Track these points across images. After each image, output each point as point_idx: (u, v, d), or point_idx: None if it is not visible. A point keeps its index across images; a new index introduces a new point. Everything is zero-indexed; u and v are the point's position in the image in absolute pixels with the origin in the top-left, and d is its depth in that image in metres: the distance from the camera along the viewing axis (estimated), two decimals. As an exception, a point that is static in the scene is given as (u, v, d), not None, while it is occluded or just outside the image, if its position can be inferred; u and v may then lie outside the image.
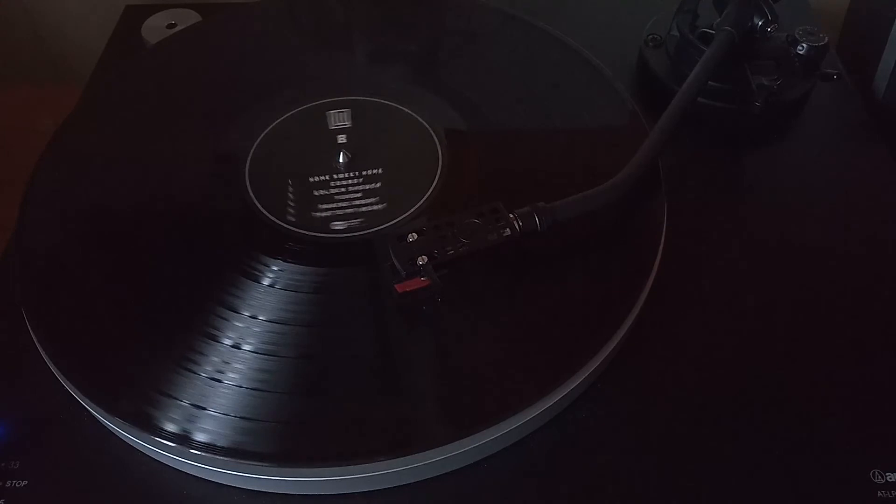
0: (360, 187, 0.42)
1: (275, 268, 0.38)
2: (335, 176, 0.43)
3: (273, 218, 0.41)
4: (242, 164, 0.43)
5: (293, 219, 0.41)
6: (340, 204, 0.42)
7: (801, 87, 0.49)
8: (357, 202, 0.42)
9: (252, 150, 0.44)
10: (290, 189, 0.42)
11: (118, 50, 0.58)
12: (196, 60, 0.51)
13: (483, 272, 0.38)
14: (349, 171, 0.43)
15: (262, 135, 0.45)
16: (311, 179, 0.43)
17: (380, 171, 0.43)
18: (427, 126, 0.45)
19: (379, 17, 0.55)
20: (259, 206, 0.41)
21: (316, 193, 0.42)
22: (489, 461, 0.35)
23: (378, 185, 0.42)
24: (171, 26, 0.57)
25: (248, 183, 0.42)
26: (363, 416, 0.35)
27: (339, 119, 0.46)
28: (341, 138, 0.45)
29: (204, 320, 0.37)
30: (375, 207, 0.41)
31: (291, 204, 0.41)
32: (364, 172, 0.43)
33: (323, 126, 0.46)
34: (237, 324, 0.37)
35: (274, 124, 0.46)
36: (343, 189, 0.42)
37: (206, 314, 0.37)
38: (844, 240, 0.43)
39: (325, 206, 0.41)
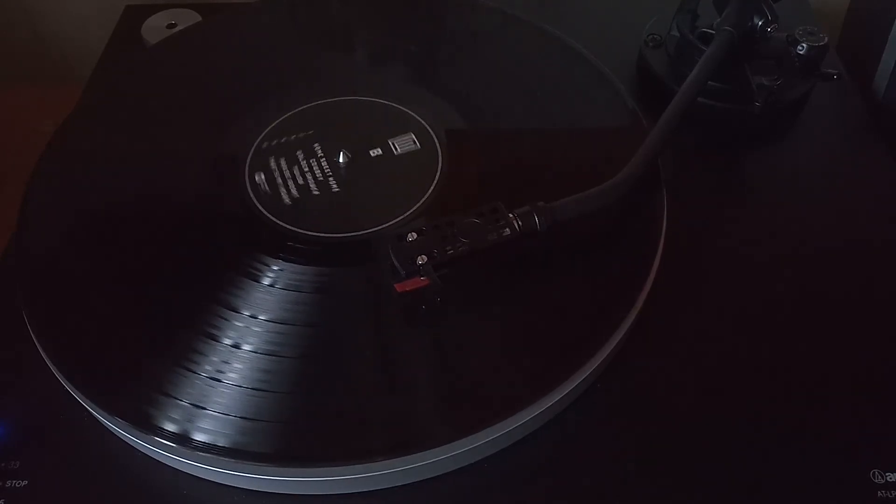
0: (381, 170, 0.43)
1: (275, 268, 0.38)
2: (323, 162, 0.43)
3: (273, 218, 0.41)
4: (242, 164, 0.43)
5: (353, 225, 0.40)
6: (287, 173, 0.42)
7: (801, 87, 0.49)
8: (290, 184, 0.42)
9: (252, 150, 0.44)
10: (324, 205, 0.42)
11: (118, 50, 0.58)
12: (196, 60, 0.51)
13: (483, 272, 0.38)
14: (355, 166, 0.43)
15: (262, 135, 0.45)
16: (332, 189, 0.42)
17: (382, 151, 0.44)
18: (427, 126, 0.45)
19: (379, 17, 0.55)
20: (259, 206, 0.41)
21: (296, 154, 0.42)
22: (489, 461, 0.35)
23: (317, 193, 0.42)
24: (171, 26, 0.57)
25: (247, 183, 0.42)
26: (363, 417, 0.35)
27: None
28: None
29: (204, 320, 0.37)
30: (286, 200, 0.41)
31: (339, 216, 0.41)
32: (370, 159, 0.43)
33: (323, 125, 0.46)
34: (237, 324, 0.37)
35: (274, 124, 0.46)
36: (307, 169, 0.43)
37: (206, 314, 0.37)
38: (844, 239, 0.43)
39: (283, 162, 0.42)
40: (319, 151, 0.44)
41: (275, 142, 0.45)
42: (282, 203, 0.41)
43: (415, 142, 0.43)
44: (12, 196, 0.43)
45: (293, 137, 0.45)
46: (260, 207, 0.41)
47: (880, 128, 0.50)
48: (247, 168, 0.43)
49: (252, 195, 0.42)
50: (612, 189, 0.39)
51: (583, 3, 0.59)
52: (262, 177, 0.41)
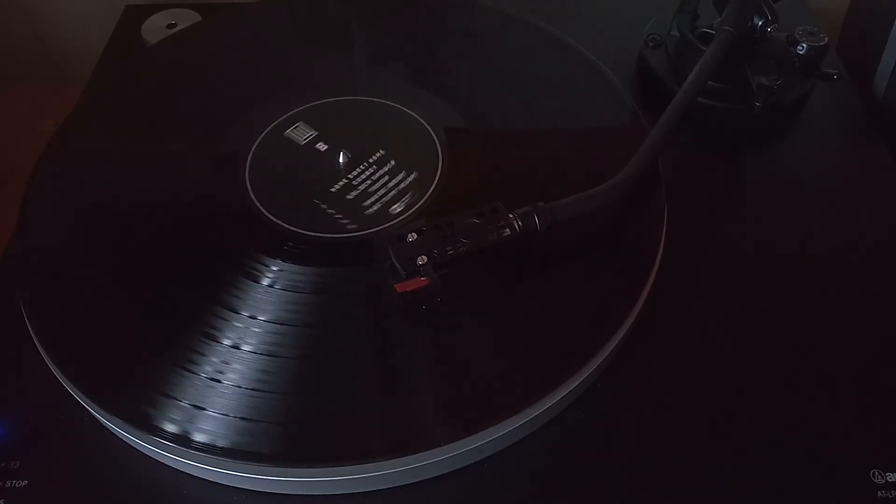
0: (381, 171, 0.42)
1: (275, 268, 0.38)
2: (350, 175, 0.43)
3: (273, 218, 0.41)
4: (242, 164, 0.43)
5: (354, 226, 0.40)
6: (380, 192, 0.42)
7: (801, 87, 0.49)
8: (390, 184, 0.42)
9: (252, 150, 0.44)
10: (324, 206, 0.41)
11: (118, 50, 0.58)
12: (196, 60, 0.51)
13: (483, 272, 0.38)
14: (356, 167, 0.43)
15: (263, 135, 0.45)
16: (332, 189, 0.42)
17: (382, 152, 0.43)
18: (427, 126, 0.45)
19: (378, 17, 0.55)
20: (259, 206, 0.41)
21: (349, 197, 0.42)
22: (489, 461, 0.35)
23: (393, 163, 0.42)
24: (171, 26, 0.57)
25: (248, 183, 0.42)
26: (363, 417, 0.35)
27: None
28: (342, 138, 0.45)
29: (204, 320, 0.37)
30: (411, 178, 0.42)
31: (339, 216, 0.41)
32: (370, 160, 0.43)
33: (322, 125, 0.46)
34: (237, 324, 0.37)
35: (274, 124, 0.46)
36: (368, 181, 0.42)
37: (206, 314, 0.37)
38: (844, 240, 0.43)
39: (368, 202, 0.41)
40: (320, 151, 0.44)
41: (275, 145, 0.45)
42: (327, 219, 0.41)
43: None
44: (12, 196, 0.43)
45: (293, 138, 0.45)
46: (260, 207, 0.41)
47: (880, 128, 0.50)
48: (247, 168, 0.43)
49: (252, 195, 0.42)
50: (612, 189, 0.39)
51: (583, 3, 0.59)
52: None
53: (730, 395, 0.37)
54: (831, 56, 0.53)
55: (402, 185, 0.42)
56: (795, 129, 0.50)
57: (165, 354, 0.36)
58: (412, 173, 0.42)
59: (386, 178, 0.42)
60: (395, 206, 0.41)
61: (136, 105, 0.48)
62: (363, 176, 0.43)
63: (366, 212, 0.41)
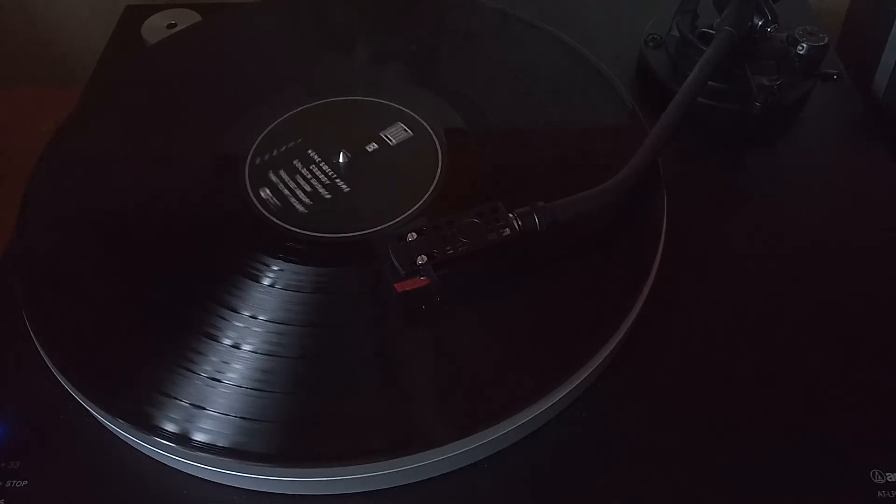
0: (320, 187, 0.42)
1: (275, 268, 0.38)
2: (323, 166, 0.43)
3: (273, 218, 0.41)
4: (242, 164, 0.43)
5: (248, 168, 0.42)
6: (291, 184, 0.42)
7: (801, 87, 0.49)
8: (299, 192, 0.42)
9: (252, 150, 0.44)
10: (286, 147, 0.43)
11: (118, 50, 0.58)
12: (196, 60, 0.51)
13: (483, 272, 0.38)
14: (340, 172, 0.43)
15: (262, 135, 0.45)
16: (309, 153, 0.43)
17: (348, 190, 0.42)
18: (427, 126, 0.45)
19: (379, 16, 0.55)
20: (259, 206, 0.41)
21: (294, 163, 0.43)
22: (489, 461, 0.35)
23: (329, 196, 0.42)
24: (171, 26, 0.57)
25: (247, 183, 0.42)
26: (363, 417, 0.35)
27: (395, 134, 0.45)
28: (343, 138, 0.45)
29: (204, 320, 0.37)
30: (300, 208, 0.41)
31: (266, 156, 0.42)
32: (340, 182, 0.43)
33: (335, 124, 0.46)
34: (237, 324, 0.37)
35: (274, 124, 0.46)
36: (310, 176, 0.43)
37: (206, 314, 0.37)
38: (844, 240, 0.43)
39: (283, 174, 0.42)
40: (319, 153, 0.44)
41: (274, 151, 0.44)
42: (294, 213, 0.41)
43: (406, 129, 0.43)
44: (12, 196, 0.43)
45: (292, 143, 0.45)
46: (260, 208, 0.41)
47: (880, 128, 0.50)
48: (247, 168, 0.43)
49: (252, 195, 0.42)
50: (612, 189, 0.39)
51: (583, 3, 0.59)
52: (268, 191, 0.41)
53: (729, 395, 0.37)
54: (831, 56, 0.53)
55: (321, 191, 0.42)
56: (795, 129, 0.50)
57: (165, 354, 0.36)
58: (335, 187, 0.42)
59: (325, 178, 0.43)
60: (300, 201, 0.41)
61: (136, 105, 0.48)
62: (328, 174, 0.43)
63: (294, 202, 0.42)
